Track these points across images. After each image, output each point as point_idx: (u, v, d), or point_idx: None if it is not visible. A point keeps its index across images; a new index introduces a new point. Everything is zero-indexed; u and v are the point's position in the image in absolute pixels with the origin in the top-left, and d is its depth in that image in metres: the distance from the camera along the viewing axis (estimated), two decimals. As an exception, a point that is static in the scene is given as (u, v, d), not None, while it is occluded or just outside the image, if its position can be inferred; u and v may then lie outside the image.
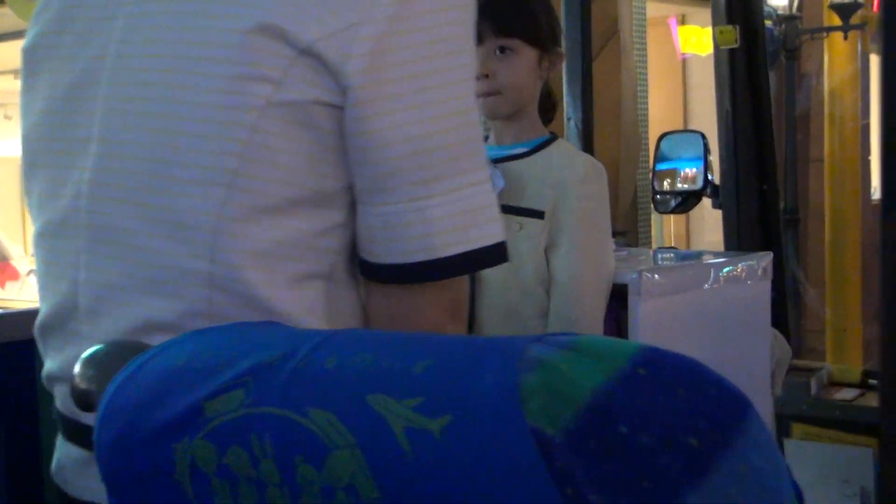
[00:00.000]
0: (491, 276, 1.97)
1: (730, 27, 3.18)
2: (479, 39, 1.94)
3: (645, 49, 5.42)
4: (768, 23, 5.18)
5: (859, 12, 5.27)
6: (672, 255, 2.54)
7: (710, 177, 3.23)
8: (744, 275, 2.26)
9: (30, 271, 5.43)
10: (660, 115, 6.55)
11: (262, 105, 0.97)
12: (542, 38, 1.99)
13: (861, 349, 5.42)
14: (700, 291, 2.14)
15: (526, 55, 1.98)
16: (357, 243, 1.04)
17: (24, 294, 5.91)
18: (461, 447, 0.58)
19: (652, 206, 3.47)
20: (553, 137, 2.06)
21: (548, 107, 2.13)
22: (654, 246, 5.65)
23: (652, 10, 6.02)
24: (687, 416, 0.58)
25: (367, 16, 0.98)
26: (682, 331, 2.11)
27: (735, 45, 3.19)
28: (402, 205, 0.99)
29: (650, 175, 3.36)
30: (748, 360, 2.29)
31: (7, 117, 9.29)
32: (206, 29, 0.99)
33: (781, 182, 5.57)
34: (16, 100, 1.20)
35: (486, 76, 1.96)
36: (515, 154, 2.03)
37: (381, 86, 0.98)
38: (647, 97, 5.44)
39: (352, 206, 1.04)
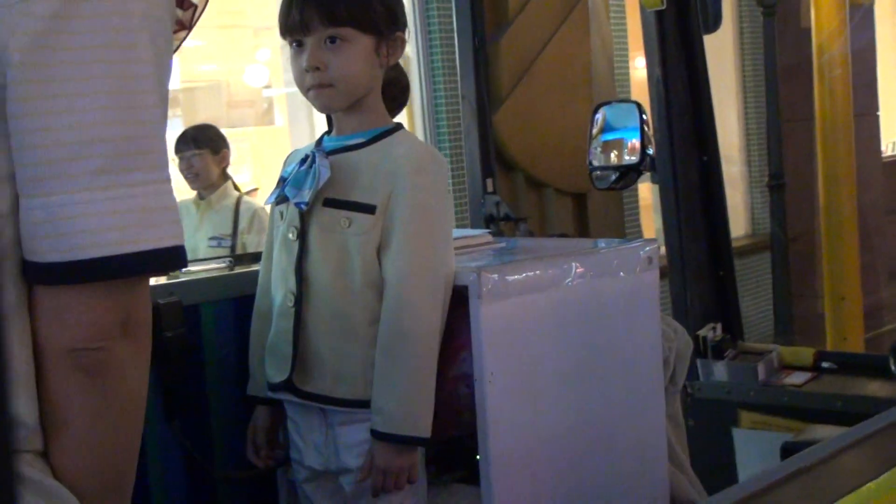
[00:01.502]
0: (316, 275, 1.81)
1: (655, -13, 2.95)
2: (307, 29, 1.78)
3: (624, 11, 5.16)
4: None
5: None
6: (549, 244, 2.34)
7: (648, 150, 3.01)
8: (619, 266, 2.05)
9: None
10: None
11: None
12: (378, 24, 1.81)
13: (862, 318, 5.14)
14: (559, 288, 1.93)
15: (359, 43, 1.80)
16: (22, 242, 0.97)
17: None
18: None
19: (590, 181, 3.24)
20: (395, 127, 1.88)
21: (395, 93, 1.96)
22: (648, 234, 5.38)
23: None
24: None
25: None
26: (539, 333, 1.91)
27: (661, 7, 2.96)
28: (65, 196, 0.93)
29: (587, 149, 3.14)
30: (631, 357, 2.09)
31: None
32: None
33: (764, 145, 5.31)
34: None
35: (317, 68, 1.79)
36: (351, 145, 1.86)
37: (42, 68, 0.92)
38: (627, 62, 5.19)
39: (13, 201, 0.96)
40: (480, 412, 1.80)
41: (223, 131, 6.25)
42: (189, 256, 3.36)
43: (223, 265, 2.42)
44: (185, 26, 1.17)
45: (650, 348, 2.13)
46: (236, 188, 4.27)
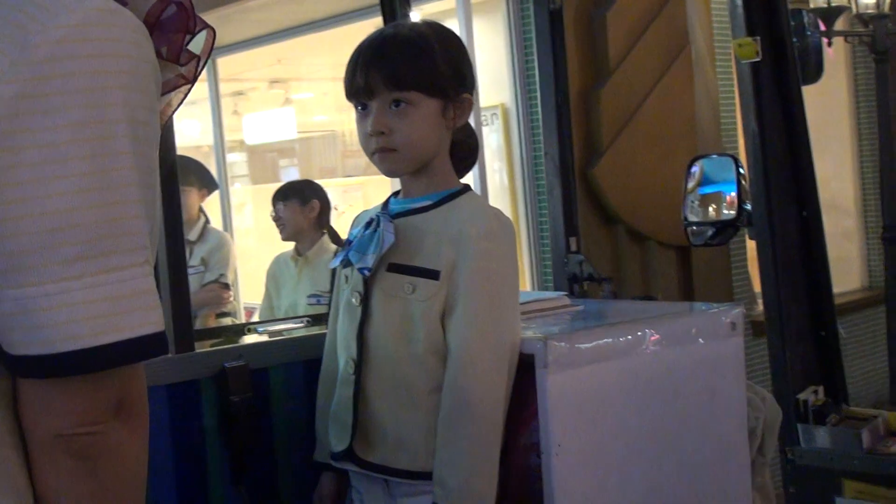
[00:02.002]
0: (378, 341, 1.78)
1: (749, 39, 2.86)
2: (372, 93, 1.75)
3: (730, 59, 5.04)
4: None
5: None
6: (638, 307, 2.26)
7: (745, 205, 2.92)
8: (699, 332, 1.96)
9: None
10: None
11: None
12: (444, 86, 1.77)
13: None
14: (632, 356, 1.86)
15: (425, 107, 1.76)
16: None
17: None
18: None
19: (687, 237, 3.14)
20: (461, 189, 1.84)
21: (463, 154, 1.92)
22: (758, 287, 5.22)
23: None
24: None
25: (5, 75, 0.88)
26: (610, 403, 1.84)
27: (756, 59, 2.86)
28: (38, 287, 0.89)
29: (682, 203, 3.06)
30: (713, 428, 1.99)
31: None
32: None
33: (878, 196, 5.12)
34: None
35: (382, 133, 1.76)
36: (417, 208, 1.82)
37: (11, 154, 0.88)
38: (734, 111, 5.06)
39: None
40: (547, 485, 1.74)
41: (337, 180, 6.35)
42: (289, 313, 3.39)
43: (300, 325, 2.40)
44: (188, 80, 1.13)
45: (734, 419, 2.03)
46: (336, 241, 4.29)
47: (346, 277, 1.87)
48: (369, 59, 1.77)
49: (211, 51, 1.14)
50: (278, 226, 4.26)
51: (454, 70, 1.80)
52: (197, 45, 1.12)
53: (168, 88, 1.11)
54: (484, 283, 1.73)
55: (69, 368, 0.91)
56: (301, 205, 4.24)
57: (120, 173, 0.92)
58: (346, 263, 1.84)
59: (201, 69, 1.12)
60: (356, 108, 1.81)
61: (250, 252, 6.14)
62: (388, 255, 1.76)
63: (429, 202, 1.81)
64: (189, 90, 1.13)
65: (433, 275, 1.74)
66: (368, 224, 1.81)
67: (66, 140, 0.89)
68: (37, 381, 0.92)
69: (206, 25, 1.12)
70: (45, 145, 0.88)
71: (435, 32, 1.82)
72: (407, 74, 1.75)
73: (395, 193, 1.90)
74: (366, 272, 1.77)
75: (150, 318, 0.94)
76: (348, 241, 1.85)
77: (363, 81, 1.76)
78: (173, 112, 1.17)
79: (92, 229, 0.90)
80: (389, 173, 1.85)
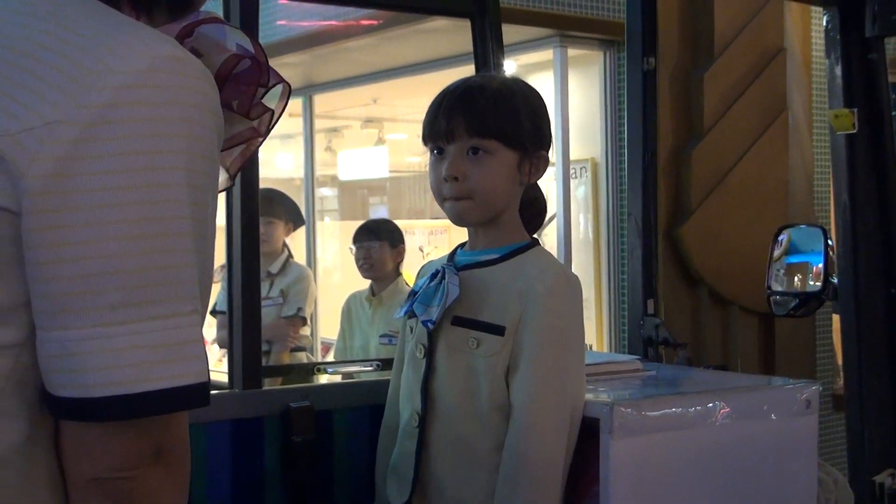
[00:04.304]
0: (443, 395, 1.76)
1: (846, 111, 2.82)
2: (452, 137, 1.74)
3: (828, 128, 4.96)
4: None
5: None
6: (707, 377, 2.21)
7: (832, 278, 2.86)
8: (771, 408, 1.91)
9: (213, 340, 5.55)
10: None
11: None
12: (523, 140, 1.76)
13: None
14: (701, 428, 1.82)
15: (503, 158, 1.75)
16: (42, 374, 0.93)
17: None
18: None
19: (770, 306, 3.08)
20: (530, 244, 1.82)
21: (533, 213, 1.90)
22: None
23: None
24: None
25: (67, 116, 0.87)
26: (675, 474, 1.80)
27: (852, 131, 2.81)
28: (82, 331, 0.89)
29: (766, 272, 3.01)
30: (782, 510, 1.94)
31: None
32: None
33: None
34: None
35: (456, 178, 1.75)
36: (483, 261, 1.80)
37: (65, 196, 0.87)
38: (828, 181, 4.98)
39: (31, 328, 0.92)
40: (604, 553, 1.70)
41: (425, 221, 6.38)
42: (361, 354, 3.38)
43: (370, 368, 2.39)
44: (260, 133, 1.12)
45: (803, 500, 1.97)
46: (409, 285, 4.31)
47: (411, 329, 1.86)
48: (454, 104, 1.77)
49: (285, 105, 1.14)
50: (364, 263, 4.24)
51: (535, 126, 1.78)
52: (272, 99, 1.12)
53: (238, 141, 1.11)
54: (549, 342, 1.71)
55: (106, 414, 0.90)
56: (391, 247, 4.25)
57: (173, 222, 0.91)
58: (412, 314, 1.83)
59: (274, 123, 1.12)
60: (432, 152, 1.80)
61: (335, 288, 6.17)
62: (452, 308, 1.75)
63: (496, 255, 1.79)
64: (260, 143, 1.14)
65: (498, 330, 1.72)
66: (434, 275, 1.80)
67: (121, 186, 0.89)
68: (75, 423, 0.93)
69: (280, 80, 1.13)
70: (99, 189, 0.88)
71: (520, 87, 1.82)
72: (489, 122, 1.74)
73: (462, 245, 1.89)
74: (430, 325, 1.75)
75: (192, 369, 0.93)
76: (413, 292, 1.84)
77: (445, 125, 1.75)
78: (242, 165, 1.17)
79: (140, 276, 0.89)
80: (460, 221, 1.82)
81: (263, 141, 1.13)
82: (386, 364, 2.46)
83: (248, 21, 2.01)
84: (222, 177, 1.12)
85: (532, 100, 1.81)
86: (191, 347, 0.93)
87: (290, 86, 1.14)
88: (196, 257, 0.94)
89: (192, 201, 0.93)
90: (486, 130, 1.74)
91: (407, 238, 4.48)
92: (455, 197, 1.76)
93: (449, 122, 1.75)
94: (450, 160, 1.75)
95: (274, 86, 1.11)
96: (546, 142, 1.81)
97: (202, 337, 0.96)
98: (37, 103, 0.88)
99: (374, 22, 4.75)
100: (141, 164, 0.90)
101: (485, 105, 1.76)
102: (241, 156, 1.15)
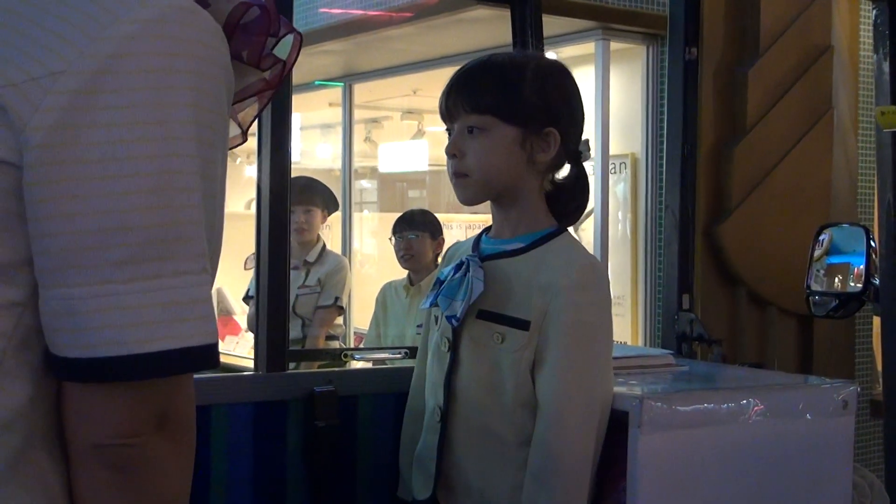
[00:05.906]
0: (466, 390, 1.72)
1: (893, 108, 2.75)
2: (453, 116, 1.72)
3: (873, 127, 4.88)
4: None
5: None
6: (740, 374, 2.16)
7: (874, 279, 2.79)
8: (807, 407, 1.86)
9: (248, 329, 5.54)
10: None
11: None
12: (524, 115, 1.70)
13: None
14: (732, 425, 1.77)
15: (500, 134, 1.70)
16: (44, 334, 0.89)
17: (238, 349, 6.04)
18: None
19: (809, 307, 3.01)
20: (555, 231, 1.76)
21: (566, 197, 1.80)
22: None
23: None
24: None
25: (72, 66, 0.84)
26: (704, 471, 1.75)
27: (900, 128, 2.75)
28: (87, 288, 0.85)
29: (806, 272, 2.95)
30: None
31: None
32: None
33: None
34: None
35: (455, 156, 1.72)
36: (508, 250, 1.75)
37: (69, 148, 0.84)
38: (873, 182, 4.89)
39: (33, 287, 0.88)
40: (631, 549, 1.66)
41: (463, 215, 6.36)
42: (396, 342, 3.35)
43: (398, 356, 2.36)
44: (272, 85, 1.08)
45: (838, 503, 1.92)
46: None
47: (436, 319, 1.82)
48: (454, 83, 1.75)
49: (297, 56, 1.10)
50: (405, 254, 4.23)
51: (544, 102, 1.72)
52: (284, 50, 1.08)
53: (250, 93, 1.07)
54: (575, 336, 1.66)
55: (110, 375, 0.86)
56: (432, 238, 4.26)
57: (182, 177, 0.88)
58: (437, 304, 1.79)
59: (286, 73, 1.08)
60: (447, 132, 1.78)
61: (370, 279, 6.16)
62: (477, 301, 1.71)
63: (521, 244, 1.74)
64: (272, 96, 1.10)
65: (523, 325, 1.68)
66: (458, 266, 1.76)
67: (128, 139, 0.85)
68: (77, 385, 0.89)
69: (291, 29, 1.08)
70: (104, 142, 0.85)
71: (536, 64, 1.76)
72: (485, 98, 1.71)
73: (487, 230, 1.84)
74: (454, 321, 1.71)
75: (201, 329, 0.89)
76: (439, 281, 1.79)
77: (446, 105, 1.74)
78: (255, 117, 1.13)
79: (147, 232, 0.86)
80: (464, 200, 1.77)
81: (275, 93, 1.10)
82: (414, 353, 2.43)
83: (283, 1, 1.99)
84: (235, 132, 1.09)
85: (547, 76, 1.75)
86: (199, 307, 0.89)
87: (301, 36, 1.10)
88: (204, 215, 0.91)
89: (201, 156, 0.90)
90: (481, 106, 1.71)
91: (445, 232, 4.46)
92: (454, 174, 1.74)
93: (449, 102, 1.74)
94: (453, 138, 1.74)
95: (284, 35, 1.07)
96: (561, 120, 1.73)
97: (211, 297, 0.92)
98: (43, 54, 0.85)
99: (412, 13, 4.72)
100: (147, 118, 0.86)
101: (482, 81, 1.73)
102: (252, 109, 1.11)
